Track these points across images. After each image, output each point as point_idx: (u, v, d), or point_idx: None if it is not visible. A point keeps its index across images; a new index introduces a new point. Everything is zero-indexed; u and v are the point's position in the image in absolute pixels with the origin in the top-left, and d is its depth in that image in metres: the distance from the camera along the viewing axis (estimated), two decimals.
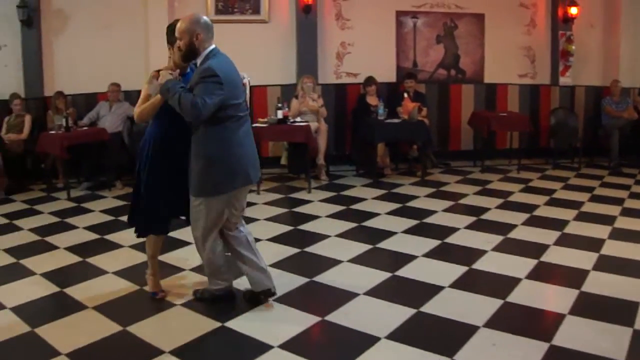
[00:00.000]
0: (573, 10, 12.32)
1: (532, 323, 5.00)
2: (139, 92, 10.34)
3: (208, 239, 5.31)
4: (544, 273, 6.10)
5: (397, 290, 5.75)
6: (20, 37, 11.31)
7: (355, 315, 5.17)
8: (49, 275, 6.33)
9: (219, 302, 5.51)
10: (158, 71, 5.19)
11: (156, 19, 11.35)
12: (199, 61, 5.12)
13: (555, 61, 12.74)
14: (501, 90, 12.70)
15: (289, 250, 6.93)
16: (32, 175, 11.05)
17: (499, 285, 5.73)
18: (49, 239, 7.69)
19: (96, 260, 6.78)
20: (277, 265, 6.45)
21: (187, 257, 6.63)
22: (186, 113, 4.89)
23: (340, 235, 7.49)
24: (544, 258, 6.47)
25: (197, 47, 5.06)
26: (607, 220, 7.96)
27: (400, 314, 5.15)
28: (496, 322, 4.93)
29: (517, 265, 6.24)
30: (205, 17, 5.21)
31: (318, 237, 7.45)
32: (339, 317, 5.15)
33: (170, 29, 5.21)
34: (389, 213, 8.47)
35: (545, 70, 12.88)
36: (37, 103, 11.46)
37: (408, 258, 6.56)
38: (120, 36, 11.54)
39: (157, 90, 5.07)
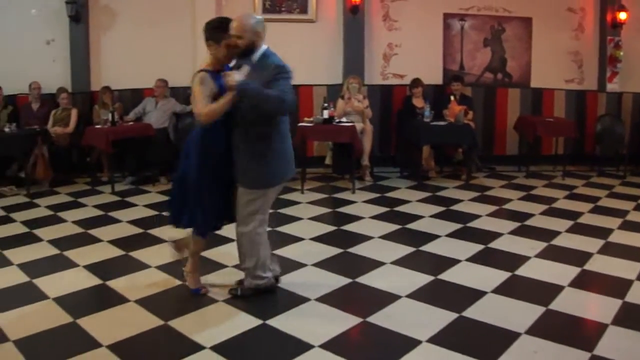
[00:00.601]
0: (622, 16, 12.17)
1: (574, 332, 4.98)
2: (185, 88, 10.58)
3: (260, 230, 5.46)
4: (587, 281, 6.05)
5: (439, 293, 5.75)
6: (68, 32, 11.55)
7: (397, 318, 5.18)
8: (92, 268, 6.46)
9: (261, 299, 5.58)
10: (218, 71, 5.26)
11: (203, 16, 11.33)
12: (255, 58, 5.27)
13: (602, 67, 12.58)
14: (547, 95, 12.58)
15: (332, 250, 6.96)
16: (77, 169, 11.29)
17: (542, 292, 5.71)
18: (93, 231, 7.83)
19: (139, 254, 6.90)
20: (320, 264, 6.50)
21: (230, 253, 6.63)
22: (272, 108, 5.18)
23: (384, 237, 7.50)
24: (587, 266, 6.42)
25: (256, 45, 5.24)
26: None
27: (442, 317, 5.16)
28: (538, 329, 4.91)
29: (560, 273, 6.20)
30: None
31: (361, 238, 7.47)
32: (380, 318, 5.18)
33: (212, 25, 5.33)
34: (433, 216, 8.46)
35: (593, 76, 12.71)
36: (83, 97, 11.68)
37: (451, 262, 6.56)
38: (168, 32, 11.68)
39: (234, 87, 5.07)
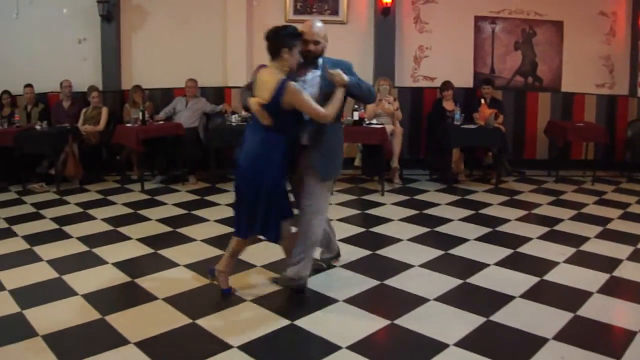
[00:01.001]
0: None
1: (602, 339, 4.97)
2: (216, 88, 10.65)
3: (317, 221, 5.65)
4: (616, 288, 6.00)
5: (468, 297, 5.74)
6: (99, 31, 11.76)
7: (425, 321, 5.19)
8: (121, 265, 6.55)
9: (289, 299, 5.69)
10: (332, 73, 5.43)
11: (234, 17, 11.58)
12: (320, 63, 5.55)
13: (634, 72, 12.46)
14: (578, 99, 12.49)
15: (361, 252, 6.97)
16: (107, 167, 11.43)
17: (570, 298, 5.69)
18: (122, 229, 7.93)
19: (167, 253, 6.97)
20: (348, 266, 6.51)
21: (259, 253, 6.72)
22: (369, 97, 5.92)
23: (412, 240, 7.51)
24: (616, 273, 6.38)
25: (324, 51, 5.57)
26: None
27: (470, 321, 5.16)
28: (565, 335, 4.90)
29: (589, 279, 6.16)
30: None
31: (390, 240, 7.48)
32: (408, 321, 5.19)
33: (287, 32, 5.32)
34: (462, 219, 8.45)
35: (624, 81, 12.60)
36: (114, 96, 11.86)
37: (480, 266, 6.55)
38: (198, 32, 11.86)
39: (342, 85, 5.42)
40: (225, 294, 5.71)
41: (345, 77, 5.40)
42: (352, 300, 5.61)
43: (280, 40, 5.27)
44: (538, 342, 4.78)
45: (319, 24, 5.50)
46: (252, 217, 5.40)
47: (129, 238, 7.56)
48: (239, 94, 5.54)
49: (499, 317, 5.25)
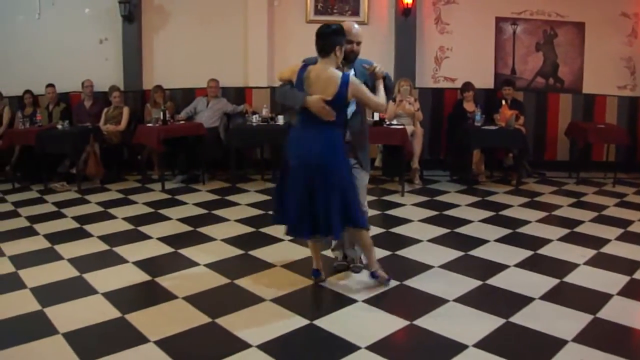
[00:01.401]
0: None
1: (622, 341, 4.92)
2: (236, 89, 10.69)
3: None
4: (636, 291, 5.95)
5: (487, 298, 5.71)
6: (121, 31, 11.81)
7: (444, 321, 5.17)
8: (141, 264, 6.58)
9: (308, 299, 5.80)
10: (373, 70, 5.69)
11: (255, 17, 11.60)
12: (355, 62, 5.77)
13: None
14: (599, 101, 12.39)
15: (380, 253, 6.87)
16: (128, 166, 11.50)
17: (590, 300, 5.65)
18: (142, 228, 7.96)
19: (188, 252, 6.98)
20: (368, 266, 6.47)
21: (278, 253, 6.77)
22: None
23: (432, 240, 7.49)
24: (637, 275, 6.31)
25: None
26: None
27: (489, 323, 5.13)
28: (585, 337, 4.86)
29: (609, 281, 6.11)
30: None
31: (410, 241, 7.46)
32: (427, 322, 5.17)
33: (339, 30, 5.42)
34: (482, 220, 8.41)
35: None
36: (135, 96, 11.92)
37: (499, 267, 6.52)
38: (219, 33, 11.87)
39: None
40: (386, 282, 5.96)
41: (383, 70, 5.69)
42: (371, 301, 5.61)
43: (335, 38, 5.38)
44: (557, 344, 4.75)
45: (357, 26, 5.71)
46: (340, 212, 5.47)
47: (149, 237, 7.59)
48: (279, 95, 5.54)
49: (519, 318, 5.23)
